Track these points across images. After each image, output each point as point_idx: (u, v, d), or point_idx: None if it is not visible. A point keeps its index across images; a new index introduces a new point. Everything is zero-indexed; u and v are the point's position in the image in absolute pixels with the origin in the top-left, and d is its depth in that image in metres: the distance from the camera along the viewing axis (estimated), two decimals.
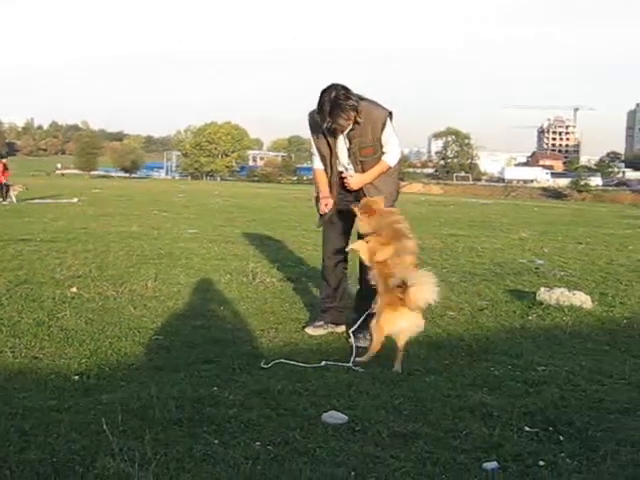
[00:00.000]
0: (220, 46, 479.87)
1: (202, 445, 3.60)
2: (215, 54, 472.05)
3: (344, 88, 5.49)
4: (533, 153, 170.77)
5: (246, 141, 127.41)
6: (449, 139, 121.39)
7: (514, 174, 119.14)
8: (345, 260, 6.27)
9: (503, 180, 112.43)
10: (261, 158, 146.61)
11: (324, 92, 5.49)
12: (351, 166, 5.88)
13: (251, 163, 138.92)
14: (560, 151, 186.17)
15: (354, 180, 5.82)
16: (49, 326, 5.94)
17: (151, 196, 26.13)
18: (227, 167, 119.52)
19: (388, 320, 5.11)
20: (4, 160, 29.90)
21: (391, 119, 5.84)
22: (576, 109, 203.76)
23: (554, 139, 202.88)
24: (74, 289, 7.46)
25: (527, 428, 4.02)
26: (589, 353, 5.78)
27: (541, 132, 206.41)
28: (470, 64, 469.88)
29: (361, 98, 5.61)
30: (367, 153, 5.77)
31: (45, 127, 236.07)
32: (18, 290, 7.36)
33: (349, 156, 5.83)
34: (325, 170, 5.97)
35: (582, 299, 7.52)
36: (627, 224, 25.36)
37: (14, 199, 26.53)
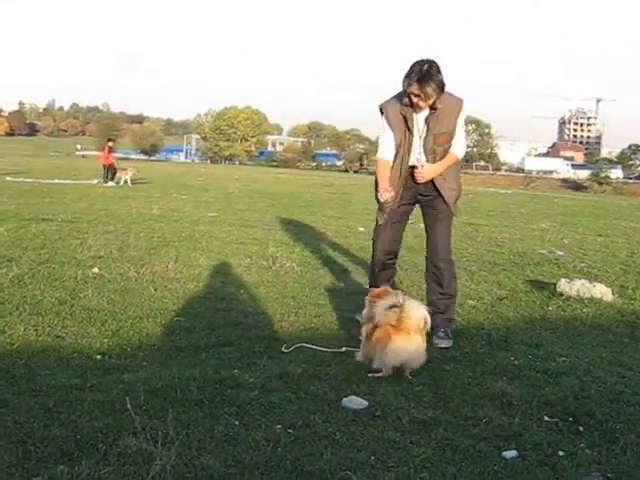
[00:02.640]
0: (242, 30, 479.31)
1: (223, 426, 3.62)
2: (237, 38, 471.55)
3: (435, 64, 5.40)
4: (554, 144, 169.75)
5: (265, 126, 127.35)
6: (469, 128, 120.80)
7: (534, 164, 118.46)
8: (395, 258, 6.08)
9: (523, 170, 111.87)
10: (280, 143, 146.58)
11: (416, 62, 5.39)
12: (422, 156, 5.66)
13: (270, 148, 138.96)
14: (581, 142, 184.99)
15: (426, 170, 5.62)
16: (71, 305, 5.99)
17: (171, 179, 26.21)
18: (246, 152, 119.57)
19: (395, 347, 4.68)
20: (110, 143, 29.57)
21: (463, 108, 5.72)
22: (598, 100, 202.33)
23: (575, 130, 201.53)
24: (96, 269, 7.52)
25: (547, 418, 4.03)
26: (609, 345, 5.77)
27: (562, 123, 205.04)
28: (492, 53, 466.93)
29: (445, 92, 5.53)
30: (442, 141, 5.60)
31: (66, 108, 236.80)
32: (40, 269, 7.41)
33: (423, 144, 5.62)
34: (394, 161, 5.72)
35: (602, 291, 7.49)
36: None
37: (129, 182, 26.31)
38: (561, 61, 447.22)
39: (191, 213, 15.26)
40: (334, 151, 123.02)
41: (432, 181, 5.69)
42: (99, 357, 4.70)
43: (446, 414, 4.00)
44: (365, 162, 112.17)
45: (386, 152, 5.72)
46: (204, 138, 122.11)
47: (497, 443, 3.62)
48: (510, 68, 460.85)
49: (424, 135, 5.59)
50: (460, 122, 5.69)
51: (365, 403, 4.07)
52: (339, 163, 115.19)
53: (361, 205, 20.91)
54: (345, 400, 4.09)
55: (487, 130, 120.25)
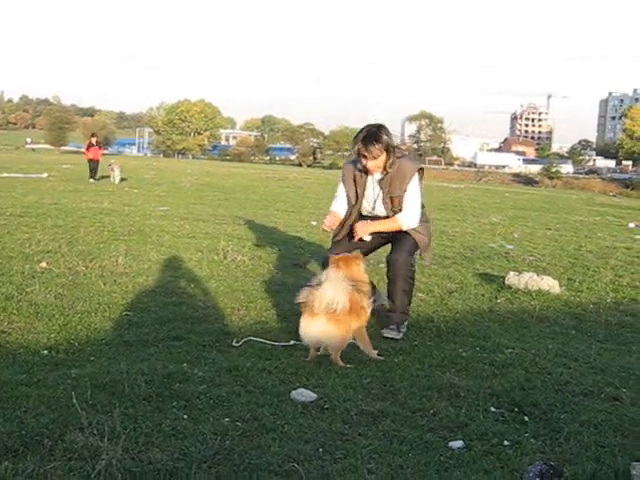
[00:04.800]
0: (194, 22, 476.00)
1: (171, 420, 3.61)
2: (190, 30, 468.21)
3: (384, 127, 5.75)
4: (505, 139, 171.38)
5: (219, 120, 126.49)
6: (423, 123, 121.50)
7: (486, 159, 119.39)
8: None
9: (475, 165, 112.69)
10: (234, 137, 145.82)
11: (366, 125, 5.77)
12: (383, 210, 5.86)
13: (224, 142, 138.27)
14: (532, 138, 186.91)
15: (360, 226, 5.78)
16: (18, 300, 5.90)
17: (123, 173, 25.86)
18: (199, 145, 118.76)
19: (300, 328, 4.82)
20: (93, 139, 28.51)
21: (421, 177, 5.88)
22: (549, 96, 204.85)
23: (527, 125, 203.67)
24: (44, 264, 7.42)
25: (493, 409, 4.08)
26: (556, 337, 5.86)
27: (514, 118, 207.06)
28: (445, 48, 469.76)
29: (401, 155, 5.78)
30: (396, 203, 5.78)
31: (15, 100, 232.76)
32: None
33: (383, 202, 5.82)
34: (346, 214, 5.94)
35: (550, 284, 7.61)
36: (596, 211, 25.68)
37: (117, 179, 25.19)
38: (513, 57, 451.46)
39: (142, 207, 15.15)
40: (288, 145, 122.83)
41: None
42: (46, 352, 4.65)
43: (394, 406, 4.04)
44: (319, 156, 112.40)
45: (337, 206, 5.96)
46: (157, 132, 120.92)
47: (444, 434, 3.67)
48: (464, 63, 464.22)
49: (381, 197, 5.80)
50: (411, 187, 5.77)
51: (314, 396, 4.09)
52: (293, 157, 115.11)
53: (314, 199, 20.95)
54: (294, 393, 4.10)
55: (440, 125, 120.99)
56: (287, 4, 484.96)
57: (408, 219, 5.79)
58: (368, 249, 6.06)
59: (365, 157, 5.64)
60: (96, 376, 4.16)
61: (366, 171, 5.78)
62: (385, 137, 5.64)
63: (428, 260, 6.27)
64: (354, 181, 5.86)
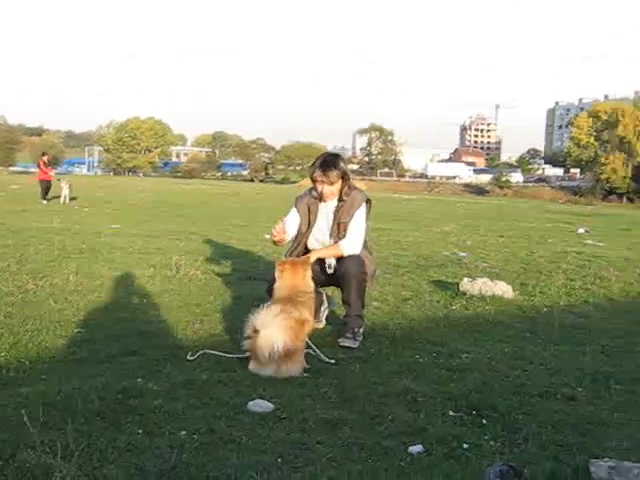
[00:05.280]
0: (138, 38, 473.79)
1: (126, 435, 3.53)
2: (137, 47, 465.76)
3: (340, 156, 6.05)
4: (456, 150, 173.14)
5: (169, 137, 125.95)
6: (373, 135, 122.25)
7: (437, 170, 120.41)
8: None
9: (426, 176, 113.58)
10: (185, 154, 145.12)
11: (323, 153, 6.09)
12: (331, 240, 5.88)
13: (174, 159, 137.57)
14: (482, 148, 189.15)
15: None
16: None
17: (73, 192, 25.56)
18: (150, 163, 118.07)
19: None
20: (45, 157, 27.64)
21: (368, 208, 5.96)
22: (497, 106, 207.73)
23: (476, 136, 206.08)
24: None
25: (451, 412, 4.08)
26: (511, 340, 5.89)
27: (463, 129, 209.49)
28: (395, 61, 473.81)
29: (355, 188, 5.93)
30: (342, 229, 5.84)
31: None
32: None
33: (330, 232, 5.87)
34: (293, 241, 5.97)
35: (504, 289, 7.67)
36: (547, 218, 26.04)
37: (67, 199, 24.64)
38: (462, 68, 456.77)
39: (93, 225, 14.99)
40: (239, 161, 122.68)
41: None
42: None
43: (352, 413, 4.00)
44: (271, 171, 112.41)
45: (287, 220, 5.88)
46: (106, 150, 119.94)
47: (403, 439, 3.64)
48: (412, 75, 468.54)
49: (330, 224, 5.87)
50: (357, 216, 5.86)
51: (271, 406, 4.04)
52: (245, 173, 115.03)
53: (267, 213, 20.91)
54: (251, 404, 4.05)
55: (390, 137, 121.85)
56: (230, 19, 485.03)
57: (350, 246, 5.80)
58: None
59: (322, 182, 5.75)
60: (48, 394, 4.06)
61: (320, 198, 5.84)
62: (342, 165, 5.83)
63: (373, 288, 6.36)
64: (308, 209, 5.91)
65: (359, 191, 5.99)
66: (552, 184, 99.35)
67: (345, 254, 5.76)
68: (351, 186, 5.90)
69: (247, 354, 4.98)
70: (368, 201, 5.97)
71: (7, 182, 44.96)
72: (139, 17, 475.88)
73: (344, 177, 5.81)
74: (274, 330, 4.63)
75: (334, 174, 5.72)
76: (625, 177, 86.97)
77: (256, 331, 4.63)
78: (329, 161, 5.79)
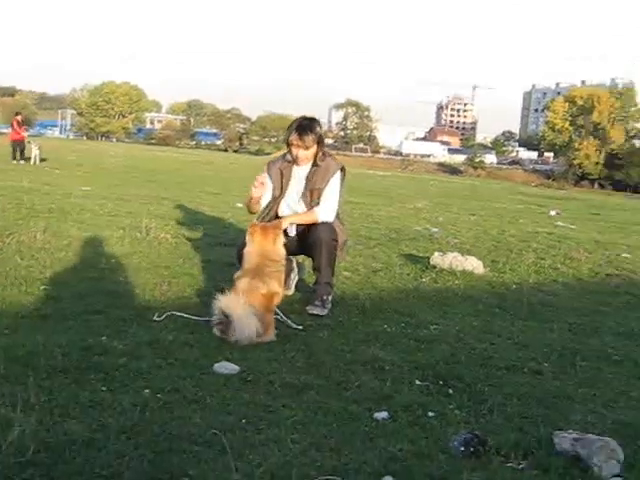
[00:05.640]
0: (119, 2, 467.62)
1: (89, 392, 3.48)
2: (111, 11, 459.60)
3: (317, 120, 5.95)
4: (431, 129, 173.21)
5: (144, 103, 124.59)
6: (349, 110, 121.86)
7: (412, 148, 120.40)
8: None
9: (401, 154, 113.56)
10: (159, 121, 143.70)
11: (299, 117, 5.94)
12: (302, 207, 5.84)
13: (149, 126, 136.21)
14: (457, 128, 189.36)
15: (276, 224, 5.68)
16: None
17: (44, 153, 25.25)
18: (124, 129, 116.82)
19: None
20: (18, 117, 27.04)
21: (342, 176, 5.90)
22: (475, 87, 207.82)
23: (452, 116, 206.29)
24: None
25: (418, 381, 4.07)
26: (479, 314, 5.90)
27: (440, 108, 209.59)
28: (374, 37, 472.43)
29: (329, 155, 5.93)
30: (316, 196, 5.78)
31: None
32: None
33: (303, 197, 5.81)
34: (267, 207, 5.89)
35: (474, 264, 7.67)
36: (519, 200, 26.18)
37: (37, 159, 24.20)
38: (440, 48, 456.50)
39: (63, 186, 14.80)
40: (214, 130, 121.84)
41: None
42: None
43: (318, 379, 3.99)
44: (245, 142, 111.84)
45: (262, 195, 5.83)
46: (80, 114, 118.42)
47: (369, 405, 3.63)
48: (391, 52, 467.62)
49: (302, 190, 5.81)
50: (333, 182, 5.81)
51: (237, 368, 4.01)
52: (219, 142, 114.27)
53: (240, 183, 20.76)
54: (216, 366, 4.02)
55: (367, 113, 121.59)
56: None
57: (325, 212, 5.76)
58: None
59: (298, 147, 5.69)
60: (10, 349, 3.99)
61: (295, 162, 5.79)
62: (318, 129, 5.80)
63: (343, 258, 6.26)
64: (280, 173, 5.85)
65: (333, 159, 5.96)
66: (525, 167, 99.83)
67: (319, 221, 5.71)
68: (326, 152, 5.86)
69: (214, 318, 4.94)
70: (343, 169, 5.92)
71: None
72: None
73: (319, 142, 5.77)
74: (244, 320, 4.55)
75: (310, 138, 5.66)
76: (598, 163, 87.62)
77: (226, 317, 4.56)
78: (305, 125, 5.72)
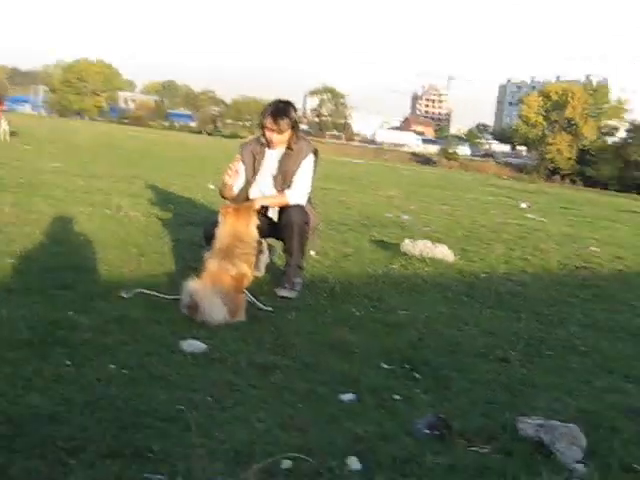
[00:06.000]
0: None
1: (54, 366, 3.45)
2: None
3: (292, 104, 5.88)
4: (406, 118, 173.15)
5: (118, 82, 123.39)
6: (325, 97, 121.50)
7: (386, 137, 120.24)
8: None
9: (375, 142, 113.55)
10: (132, 100, 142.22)
11: (274, 100, 5.86)
12: (273, 190, 5.80)
13: (122, 105, 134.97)
14: (432, 118, 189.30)
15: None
16: None
17: (15, 128, 24.92)
18: (97, 107, 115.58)
19: None
20: None
21: (315, 159, 5.88)
22: (450, 78, 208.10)
23: (427, 106, 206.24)
24: None
25: (385, 365, 4.08)
26: (448, 302, 5.92)
27: (415, 98, 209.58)
28: (349, 23, 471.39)
29: (303, 137, 5.93)
30: (288, 179, 5.75)
31: None
32: None
33: (274, 181, 5.78)
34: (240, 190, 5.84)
35: (444, 252, 7.70)
36: (490, 192, 26.28)
37: (7, 135, 23.18)
38: (415, 37, 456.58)
39: (33, 162, 14.65)
40: (188, 112, 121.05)
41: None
42: None
43: (286, 359, 3.98)
44: (219, 124, 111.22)
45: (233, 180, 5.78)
46: (52, 90, 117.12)
47: (335, 387, 3.63)
48: (367, 40, 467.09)
49: (275, 173, 5.78)
50: (305, 165, 5.79)
51: (204, 347, 3.99)
52: (193, 124, 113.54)
53: (212, 164, 20.68)
54: (184, 343, 3.99)
55: (342, 100, 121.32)
56: None
57: (296, 195, 5.74)
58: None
59: (272, 131, 5.64)
60: None
61: (268, 145, 5.75)
62: (293, 113, 5.74)
63: (314, 242, 6.28)
64: (253, 157, 5.81)
65: (307, 142, 5.95)
66: (498, 159, 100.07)
67: (290, 203, 5.69)
68: (299, 136, 5.83)
69: (183, 301, 4.90)
70: (316, 152, 5.90)
71: None
72: None
73: (294, 126, 5.73)
74: (213, 305, 4.52)
75: (285, 122, 5.63)
76: (570, 159, 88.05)
77: (195, 303, 4.52)
78: (281, 109, 5.68)
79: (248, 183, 5.83)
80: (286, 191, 5.74)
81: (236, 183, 5.75)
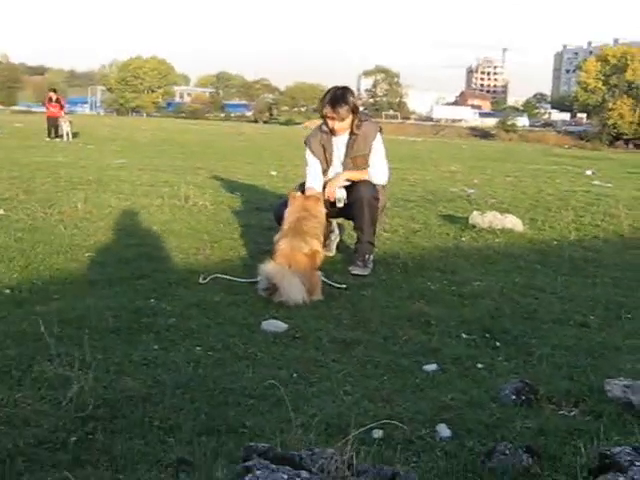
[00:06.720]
0: None
1: (142, 351, 3.56)
2: None
3: (349, 89, 5.83)
4: (461, 93, 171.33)
5: (172, 76, 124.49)
6: (378, 77, 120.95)
7: (442, 113, 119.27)
8: None
9: (432, 119, 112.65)
10: (188, 94, 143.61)
11: (332, 87, 5.82)
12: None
13: (178, 99, 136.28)
14: (488, 91, 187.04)
15: (330, 184, 5.72)
16: None
17: (76, 129, 25.38)
18: (153, 103, 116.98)
19: None
20: (51, 93, 26.30)
21: (382, 136, 5.88)
22: (505, 50, 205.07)
23: (482, 79, 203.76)
24: (1, 210, 7.25)
25: (464, 335, 4.10)
26: (522, 271, 5.88)
27: (470, 72, 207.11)
28: (401, 3, 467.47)
29: (365, 119, 5.85)
30: (359, 163, 5.75)
31: None
32: None
33: (343, 167, 5.79)
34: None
35: (514, 222, 7.63)
36: (553, 161, 25.86)
37: (70, 136, 23.87)
38: (468, 9, 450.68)
39: (98, 160, 14.92)
40: (243, 102, 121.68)
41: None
42: (8, 291, 4.54)
43: (366, 334, 4.02)
44: (275, 112, 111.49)
45: (313, 181, 5.78)
46: (109, 90, 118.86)
47: (417, 358, 3.67)
48: (419, 16, 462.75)
49: (343, 159, 5.78)
50: (376, 145, 5.79)
51: (285, 326, 4.05)
52: (248, 114, 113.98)
53: (272, 152, 20.85)
54: (264, 323, 4.06)
55: (396, 79, 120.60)
56: None
57: (378, 174, 5.79)
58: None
59: (333, 119, 5.64)
60: (62, 312, 4.08)
61: (332, 133, 5.75)
62: (351, 99, 5.71)
63: (383, 221, 6.39)
64: (323, 148, 5.80)
65: (370, 122, 5.91)
66: (558, 129, 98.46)
67: (374, 180, 5.73)
68: (362, 118, 5.80)
69: (259, 278, 4.97)
70: (380, 130, 5.90)
71: (11, 121, 44.69)
72: None
73: (354, 111, 5.71)
74: (293, 288, 4.56)
75: (344, 110, 5.61)
76: (632, 123, 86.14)
77: (274, 286, 4.57)
78: (338, 96, 5.66)
79: (324, 173, 5.84)
80: (369, 169, 5.76)
81: (316, 183, 5.75)
